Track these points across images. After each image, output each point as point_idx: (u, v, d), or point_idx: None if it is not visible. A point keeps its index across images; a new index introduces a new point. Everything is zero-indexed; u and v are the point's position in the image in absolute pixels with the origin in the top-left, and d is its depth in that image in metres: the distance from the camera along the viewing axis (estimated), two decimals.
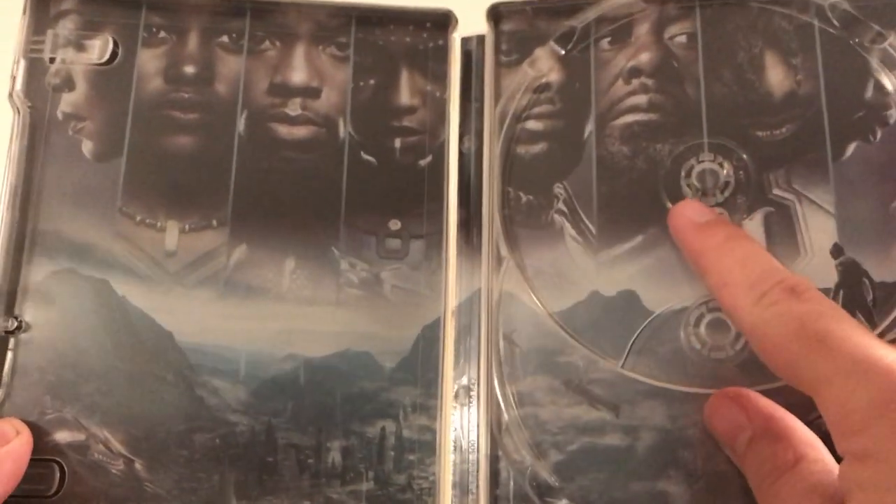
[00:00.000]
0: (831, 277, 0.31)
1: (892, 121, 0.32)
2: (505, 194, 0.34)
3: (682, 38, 0.34)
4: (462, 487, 0.31)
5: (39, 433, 0.31)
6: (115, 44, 0.35)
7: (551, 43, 0.35)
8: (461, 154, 0.35)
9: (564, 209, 0.33)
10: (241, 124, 0.35)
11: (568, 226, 0.33)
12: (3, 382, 0.31)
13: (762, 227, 0.32)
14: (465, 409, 0.32)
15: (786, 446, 0.26)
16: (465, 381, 0.33)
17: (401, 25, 0.36)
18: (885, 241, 0.30)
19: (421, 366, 0.33)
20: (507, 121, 0.35)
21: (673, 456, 0.30)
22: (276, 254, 0.33)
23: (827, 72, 0.32)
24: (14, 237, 0.32)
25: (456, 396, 0.32)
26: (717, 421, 0.29)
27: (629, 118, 0.34)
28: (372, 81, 0.36)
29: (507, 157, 0.34)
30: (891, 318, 0.30)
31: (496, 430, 0.32)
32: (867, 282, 0.30)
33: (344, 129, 0.35)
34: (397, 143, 0.35)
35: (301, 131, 0.35)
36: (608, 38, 0.35)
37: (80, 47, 0.35)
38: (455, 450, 0.32)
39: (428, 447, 0.32)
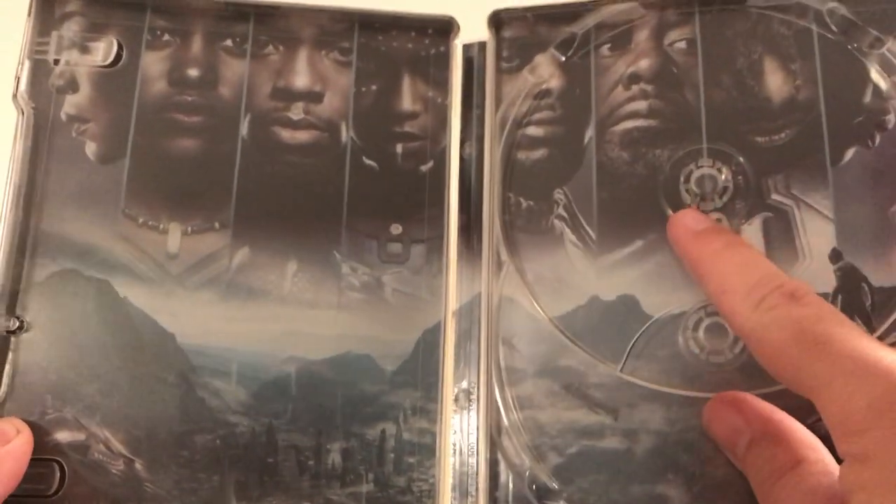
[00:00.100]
0: (830, 282, 0.31)
1: (890, 126, 0.32)
2: (505, 199, 0.34)
3: (682, 45, 0.34)
4: (461, 490, 0.31)
5: (40, 433, 0.31)
6: (120, 46, 0.35)
7: (552, 49, 0.35)
8: (462, 159, 0.35)
9: (564, 214, 0.33)
10: (244, 128, 0.35)
11: (568, 231, 0.33)
12: (5, 382, 0.31)
13: (761, 233, 0.32)
14: (465, 412, 0.32)
15: (785, 448, 0.26)
16: (465, 384, 0.33)
17: (403, 31, 0.36)
18: (883, 245, 0.31)
19: (421, 369, 0.33)
20: (508, 126, 0.35)
21: (672, 459, 0.30)
22: (278, 257, 0.33)
23: (825, 77, 0.33)
24: (17, 237, 0.32)
25: (456, 400, 0.33)
26: (716, 425, 0.29)
27: (629, 124, 0.34)
28: (374, 87, 0.36)
29: (508, 163, 0.34)
30: (889, 322, 0.30)
31: (496, 434, 0.32)
32: (866, 286, 0.30)
33: (346, 134, 0.35)
34: (399, 148, 0.35)
35: (303, 135, 0.35)
36: (608, 45, 0.35)
37: (84, 49, 0.35)
38: (455, 453, 0.32)
39: (428, 450, 0.32)
